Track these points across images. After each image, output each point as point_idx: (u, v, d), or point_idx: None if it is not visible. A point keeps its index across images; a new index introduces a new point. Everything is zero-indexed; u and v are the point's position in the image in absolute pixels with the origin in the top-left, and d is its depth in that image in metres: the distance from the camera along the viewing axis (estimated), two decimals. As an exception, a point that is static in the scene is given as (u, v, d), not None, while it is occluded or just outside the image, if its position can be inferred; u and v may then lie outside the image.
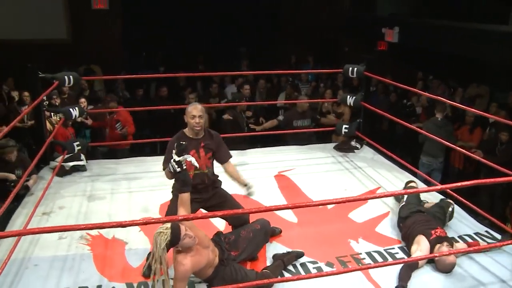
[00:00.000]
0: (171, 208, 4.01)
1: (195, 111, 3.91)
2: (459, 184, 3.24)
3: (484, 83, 8.86)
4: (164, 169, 3.94)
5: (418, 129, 6.60)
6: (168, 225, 3.29)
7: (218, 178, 4.21)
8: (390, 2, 11.38)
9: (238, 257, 3.84)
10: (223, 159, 4.20)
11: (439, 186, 3.93)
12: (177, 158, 3.53)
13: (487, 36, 7.62)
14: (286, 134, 7.44)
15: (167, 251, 3.29)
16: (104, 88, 9.80)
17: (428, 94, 6.65)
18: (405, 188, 5.17)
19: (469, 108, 5.62)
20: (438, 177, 7.32)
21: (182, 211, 3.56)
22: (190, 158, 3.61)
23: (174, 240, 3.27)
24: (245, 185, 4.22)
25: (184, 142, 3.64)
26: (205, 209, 4.05)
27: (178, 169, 3.53)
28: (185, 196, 3.58)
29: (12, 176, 5.38)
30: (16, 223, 4.58)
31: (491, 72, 9.04)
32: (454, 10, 8.93)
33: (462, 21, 8.30)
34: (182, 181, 3.58)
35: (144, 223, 2.73)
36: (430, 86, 9.78)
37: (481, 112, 5.53)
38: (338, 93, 8.57)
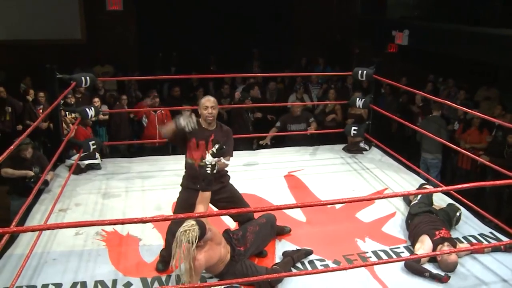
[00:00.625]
0: (180, 203, 4.14)
1: (208, 103, 4.06)
2: (465, 185, 3.32)
3: (494, 86, 8.91)
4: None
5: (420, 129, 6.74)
6: (192, 222, 3.41)
7: (227, 173, 4.30)
8: (400, 5, 11.44)
9: (247, 252, 3.96)
10: (228, 154, 4.12)
11: (445, 187, 4.05)
12: (212, 161, 3.66)
13: (498, 41, 7.67)
14: (285, 139, 7.54)
15: (194, 247, 3.38)
16: (117, 88, 9.95)
17: (435, 98, 6.73)
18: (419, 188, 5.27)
19: (466, 109, 5.77)
20: (435, 173, 7.46)
21: (201, 208, 3.70)
22: (223, 160, 3.83)
23: (202, 235, 3.42)
24: None
25: (225, 147, 3.77)
26: (212, 203, 4.09)
27: (211, 171, 3.67)
28: (207, 194, 3.74)
29: (31, 173, 5.56)
30: (35, 218, 4.75)
31: (501, 75, 9.10)
32: (465, 14, 8.97)
33: (473, 25, 8.35)
34: (209, 181, 3.72)
35: (163, 219, 2.84)
36: (440, 88, 9.84)
37: (480, 115, 5.66)
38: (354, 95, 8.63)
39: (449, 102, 6.12)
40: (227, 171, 4.27)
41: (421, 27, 9.69)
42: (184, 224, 3.43)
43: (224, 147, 3.75)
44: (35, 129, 7.76)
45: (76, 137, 6.25)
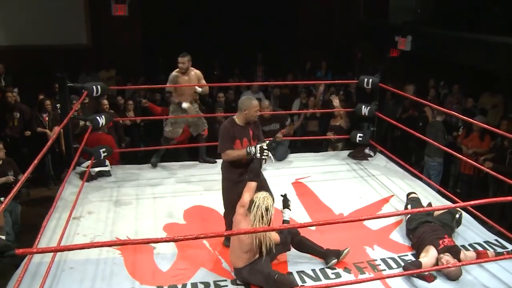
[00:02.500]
0: (228, 194, 4.52)
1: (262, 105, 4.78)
2: (479, 201, 3.40)
3: (498, 93, 8.99)
4: (222, 152, 4.45)
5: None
6: (265, 193, 3.96)
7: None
8: (402, 10, 11.53)
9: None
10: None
11: (461, 204, 4.14)
12: (268, 153, 4.27)
13: (498, 48, 7.76)
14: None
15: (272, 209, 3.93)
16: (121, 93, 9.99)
17: (436, 106, 6.83)
18: (407, 199, 5.29)
19: (463, 117, 5.89)
20: (433, 175, 7.58)
21: (247, 196, 4.06)
22: (271, 155, 4.31)
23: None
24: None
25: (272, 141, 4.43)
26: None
27: (264, 160, 4.28)
28: (253, 185, 4.18)
29: (11, 178, 6.14)
30: (49, 226, 4.81)
31: (506, 82, 9.18)
32: (469, 20, 9.06)
33: (474, 32, 8.45)
34: (256, 172, 4.23)
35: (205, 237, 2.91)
36: (441, 92, 9.93)
37: (477, 122, 5.77)
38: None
39: (446, 110, 6.31)
40: None
41: (423, 32, 9.78)
42: (260, 192, 3.96)
43: (273, 143, 4.39)
44: (43, 135, 7.97)
45: (103, 143, 6.46)
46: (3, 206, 2.61)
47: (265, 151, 4.27)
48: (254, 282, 3.98)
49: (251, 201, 3.92)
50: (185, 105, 6.35)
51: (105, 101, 7.87)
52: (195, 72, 6.46)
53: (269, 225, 3.87)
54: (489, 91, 9.05)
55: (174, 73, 6.38)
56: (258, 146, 4.29)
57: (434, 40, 9.35)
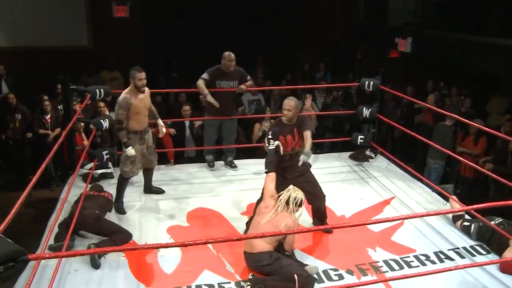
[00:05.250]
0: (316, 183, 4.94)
1: (285, 106, 4.81)
2: (480, 205, 3.46)
3: (505, 95, 9.02)
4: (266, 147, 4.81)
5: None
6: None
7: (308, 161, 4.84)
8: (402, 12, 11.56)
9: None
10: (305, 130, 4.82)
11: (466, 207, 4.21)
12: (272, 144, 4.71)
13: (497, 50, 7.79)
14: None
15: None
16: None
17: (436, 109, 6.86)
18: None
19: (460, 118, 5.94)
20: (433, 177, 7.64)
21: (272, 186, 4.45)
22: (278, 143, 4.71)
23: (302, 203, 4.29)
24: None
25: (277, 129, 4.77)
26: (295, 184, 4.55)
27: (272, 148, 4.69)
28: (271, 175, 4.53)
29: None
30: (54, 229, 4.83)
31: (507, 84, 9.22)
32: (466, 23, 9.09)
33: (474, 34, 8.48)
34: (270, 163, 4.61)
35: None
36: (445, 94, 9.95)
37: (475, 124, 5.82)
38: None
39: (446, 112, 6.38)
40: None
41: (422, 34, 9.81)
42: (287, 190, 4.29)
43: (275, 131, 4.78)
44: (44, 137, 8.00)
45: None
46: (14, 211, 2.64)
47: (270, 140, 4.69)
48: (266, 272, 4.09)
49: (286, 189, 4.30)
50: (129, 151, 5.22)
51: (101, 103, 7.83)
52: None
53: (292, 215, 4.20)
54: (497, 95, 9.08)
55: (125, 95, 5.18)
56: (267, 137, 4.75)
57: (434, 42, 9.36)
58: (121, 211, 5.38)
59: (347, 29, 12.61)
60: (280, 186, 4.50)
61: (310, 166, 4.96)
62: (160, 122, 5.64)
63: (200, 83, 6.24)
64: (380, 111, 6.95)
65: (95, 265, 4.24)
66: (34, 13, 10.63)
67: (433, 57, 9.60)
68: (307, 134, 4.77)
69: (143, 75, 5.16)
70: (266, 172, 4.59)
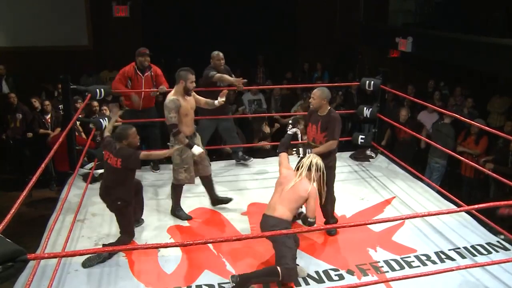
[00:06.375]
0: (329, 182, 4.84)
1: (312, 94, 4.99)
2: (481, 205, 3.44)
3: (506, 95, 9.02)
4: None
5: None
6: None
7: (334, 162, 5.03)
8: (402, 12, 11.57)
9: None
10: (328, 138, 4.89)
11: (465, 207, 4.17)
12: (290, 129, 4.89)
13: (498, 50, 7.79)
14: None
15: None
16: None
17: (438, 109, 6.85)
18: None
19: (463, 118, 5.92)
20: (435, 176, 7.64)
21: (286, 162, 4.58)
22: (296, 131, 4.90)
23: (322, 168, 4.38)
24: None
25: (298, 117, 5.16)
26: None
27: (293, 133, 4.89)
28: (283, 155, 4.68)
29: None
30: (54, 229, 4.79)
31: (507, 84, 9.22)
32: (466, 22, 9.09)
33: (474, 34, 8.48)
34: (282, 144, 4.79)
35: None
36: (443, 92, 9.95)
37: (477, 124, 5.80)
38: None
39: (447, 112, 6.37)
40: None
41: (422, 34, 9.81)
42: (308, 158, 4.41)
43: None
44: (45, 137, 7.99)
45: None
46: (14, 211, 2.63)
47: (290, 125, 4.94)
48: (271, 238, 4.10)
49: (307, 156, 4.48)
50: (197, 149, 5.03)
51: (95, 103, 7.82)
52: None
53: (314, 182, 4.31)
54: (498, 94, 9.08)
55: (173, 97, 4.97)
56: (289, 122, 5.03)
57: (434, 42, 9.37)
58: (185, 216, 5.25)
59: (347, 29, 12.61)
60: None
61: (334, 161, 5.05)
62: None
63: (219, 74, 6.23)
64: (380, 111, 6.93)
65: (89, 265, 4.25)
66: (34, 13, 10.65)
67: (433, 57, 9.60)
68: (329, 143, 4.87)
69: (194, 77, 5.03)
70: (278, 153, 4.76)
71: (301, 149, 4.80)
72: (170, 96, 4.97)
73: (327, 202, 4.86)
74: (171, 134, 4.99)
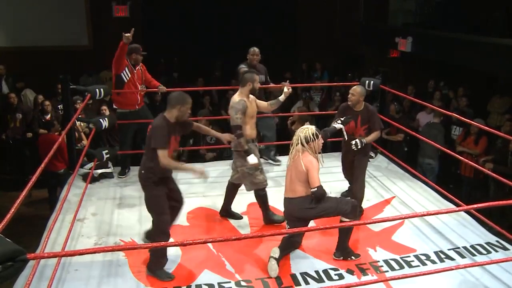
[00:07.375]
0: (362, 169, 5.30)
1: (350, 90, 5.25)
2: (480, 205, 3.46)
3: (507, 95, 9.02)
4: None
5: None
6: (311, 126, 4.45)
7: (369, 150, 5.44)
8: (402, 12, 11.58)
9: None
10: (374, 129, 5.27)
11: (465, 207, 4.18)
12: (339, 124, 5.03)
13: (498, 50, 7.80)
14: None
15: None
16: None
17: (438, 109, 6.87)
18: None
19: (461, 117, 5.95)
20: (430, 177, 7.57)
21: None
22: (341, 127, 5.05)
23: (315, 136, 4.34)
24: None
25: (350, 117, 5.10)
26: (346, 164, 5.47)
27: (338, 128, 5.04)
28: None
29: None
30: (54, 228, 4.79)
31: (507, 84, 9.23)
32: (466, 22, 9.10)
33: (474, 34, 8.48)
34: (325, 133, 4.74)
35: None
36: (446, 93, 9.95)
37: (474, 123, 5.82)
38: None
39: (443, 110, 6.45)
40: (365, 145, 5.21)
41: (422, 34, 9.82)
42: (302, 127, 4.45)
43: (350, 117, 5.13)
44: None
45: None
46: (13, 210, 2.63)
47: (338, 121, 5.05)
48: (312, 214, 4.33)
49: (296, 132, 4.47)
50: (252, 159, 4.84)
51: (104, 106, 7.85)
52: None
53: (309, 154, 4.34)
54: (498, 94, 9.08)
55: (240, 98, 4.86)
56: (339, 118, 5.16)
57: (434, 42, 9.37)
58: (278, 220, 5.10)
59: (347, 29, 12.62)
60: (344, 165, 5.50)
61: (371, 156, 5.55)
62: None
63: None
64: (380, 110, 6.93)
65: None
66: (34, 13, 10.67)
67: (433, 57, 9.61)
68: (375, 133, 5.26)
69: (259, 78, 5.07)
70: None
71: (358, 141, 5.08)
72: (237, 98, 4.86)
73: (358, 188, 5.20)
74: (234, 135, 4.78)
